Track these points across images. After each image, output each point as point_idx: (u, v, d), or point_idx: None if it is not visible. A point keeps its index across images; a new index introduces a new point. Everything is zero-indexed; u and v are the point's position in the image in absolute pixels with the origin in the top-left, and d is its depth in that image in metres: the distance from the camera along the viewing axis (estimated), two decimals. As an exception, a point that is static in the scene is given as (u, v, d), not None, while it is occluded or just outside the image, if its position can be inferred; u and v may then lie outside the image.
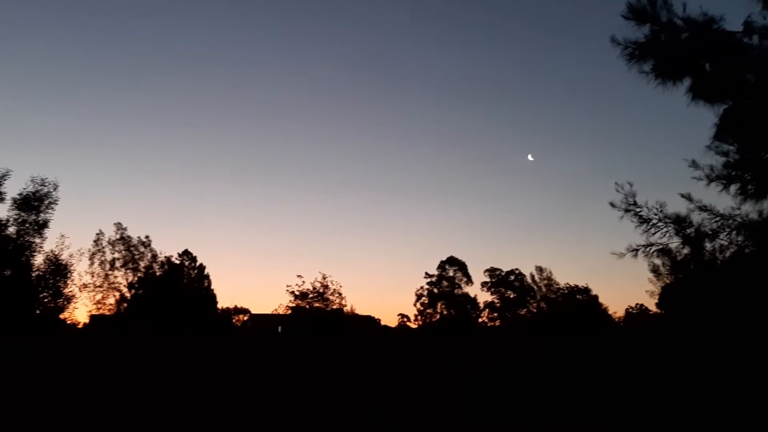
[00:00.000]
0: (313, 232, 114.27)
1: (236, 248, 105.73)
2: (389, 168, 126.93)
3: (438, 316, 68.98)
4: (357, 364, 28.94)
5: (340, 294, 56.35)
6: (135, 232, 54.31)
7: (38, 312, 35.21)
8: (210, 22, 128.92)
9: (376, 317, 69.19)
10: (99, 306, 50.39)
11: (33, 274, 33.71)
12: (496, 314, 74.37)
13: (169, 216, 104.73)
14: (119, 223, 53.07)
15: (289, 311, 56.86)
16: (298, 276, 57.79)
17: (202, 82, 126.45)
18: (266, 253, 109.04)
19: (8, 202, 33.58)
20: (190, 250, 59.33)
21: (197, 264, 58.39)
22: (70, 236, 37.49)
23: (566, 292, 75.68)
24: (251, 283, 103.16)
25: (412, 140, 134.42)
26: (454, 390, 16.61)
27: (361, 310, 63.81)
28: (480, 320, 73.50)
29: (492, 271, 74.50)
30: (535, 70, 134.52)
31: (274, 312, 58.56)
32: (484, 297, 73.64)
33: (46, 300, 33.97)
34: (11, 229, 33.42)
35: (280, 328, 57.51)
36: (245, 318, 70.89)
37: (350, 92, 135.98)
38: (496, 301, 74.32)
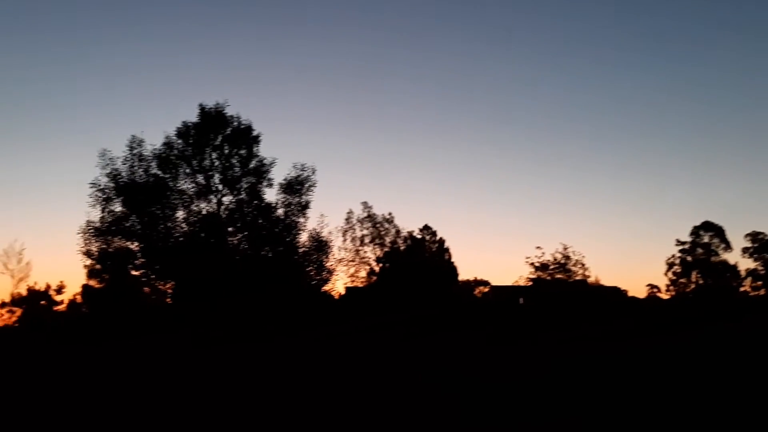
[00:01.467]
0: (554, 201, 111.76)
1: (475, 220, 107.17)
2: (632, 133, 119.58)
3: (693, 286, 63.56)
4: (600, 336, 27.77)
5: (582, 265, 54.54)
6: (380, 210, 57.51)
7: (304, 284, 38.79)
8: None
9: (623, 288, 65.69)
10: (353, 279, 54.59)
11: (299, 251, 37.22)
12: (760, 283, 66.58)
13: (409, 192, 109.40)
14: (365, 202, 56.68)
15: (530, 283, 56.33)
16: (538, 248, 56.75)
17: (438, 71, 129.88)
18: (505, 225, 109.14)
19: (276, 187, 37.51)
20: (429, 224, 61.25)
21: (437, 238, 60.09)
22: (328, 215, 40.96)
23: None
24: (491, 254, 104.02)
25: (657, 102, 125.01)
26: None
27: (607, 281, 61.06)
28: (741, 289, 66.38)
29: (754, 236, 66.62)
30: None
31: (515, 284, 58.41)
32: (745, 264, 66.26)
33: (312, 273, 37.33)
34: (280, 211, 37.29)
35: (521, 300, 57.26)
36: (486, 290, 71.70)
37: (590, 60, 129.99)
38: (760, 268, 66.48)
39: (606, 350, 22.29)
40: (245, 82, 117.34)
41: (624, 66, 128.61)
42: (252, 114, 52.25)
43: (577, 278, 54.26)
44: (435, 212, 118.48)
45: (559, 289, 51.65)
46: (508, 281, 60.13)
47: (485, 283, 71.97)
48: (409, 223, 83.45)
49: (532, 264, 54.66)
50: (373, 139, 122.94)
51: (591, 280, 54.82)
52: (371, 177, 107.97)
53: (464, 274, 73.40)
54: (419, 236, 60.71)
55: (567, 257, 53.39)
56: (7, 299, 46.48)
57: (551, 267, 54.20)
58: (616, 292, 57.74)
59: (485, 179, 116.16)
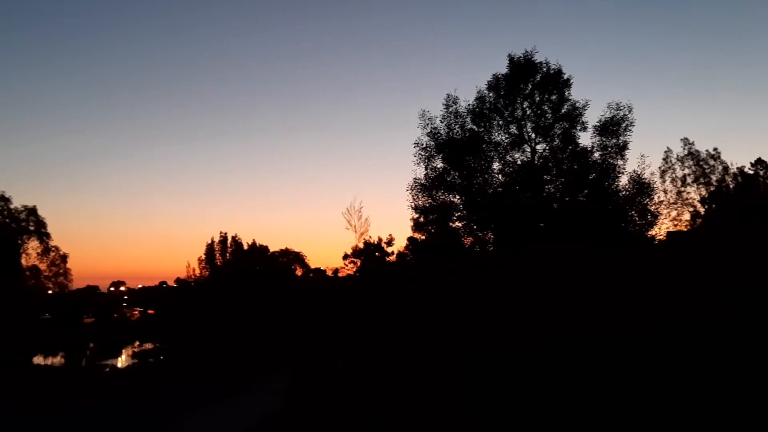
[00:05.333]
0: None
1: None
2: None
3: None
4: None
5: None
6: (703, 146, 52.38)
7: (625, 229, 37.07)
8: None
9: None
10: (675, 222, 50.81)
11: (620, 195, 35.68)
12: None
13: (737, 123, 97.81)
14: (686, 139, 52.24)
15: None
16: None
17: None
18: None
19: (590, 130, 36.37)
20: (763, 158, 54.12)
21: (775, 172, 52.94)
22: (649, 155, 38.12)
23: None
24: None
25: None
26: None
27: None
28: None
29: None
30: None
31: None
32: None
33: (635, 218, 35.60)
34: (596, 155, 36.11)
35: None
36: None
37: None
38: None
39: None
40: (552, 24, 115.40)
41: None
42: (561, 56, 51.21)
43: None
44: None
45: None
46: None
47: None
48: (739, 158, 74.63)
49: None
50: (691, 69, 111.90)
51: None
52: (691, 110, 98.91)
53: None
54: (751, 172, 54.17)
55: None
56: (349, 252, 53.17)
57: None
58: None
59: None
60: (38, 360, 61.42)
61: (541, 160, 36.66)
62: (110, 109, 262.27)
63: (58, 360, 63.34)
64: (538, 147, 36.81)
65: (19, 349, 60.06)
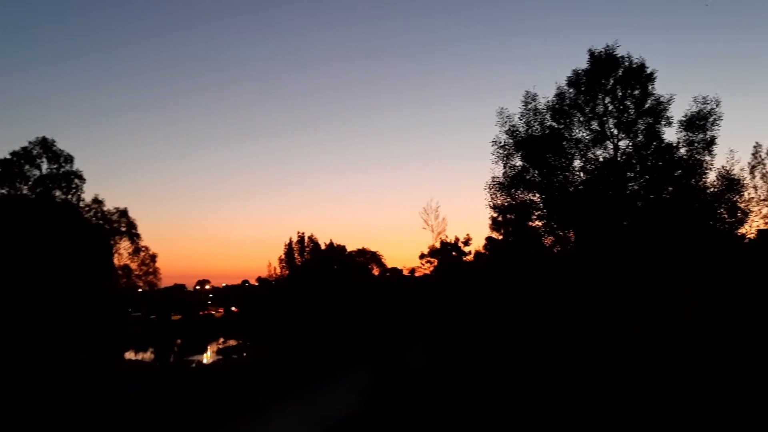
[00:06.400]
0: None
1: None
2: None
3: None
4: None
5: None
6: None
7: (713, 228, 35.68)
8: None
9: None
10: (766, 220, 48.39)
11: (707, 191, 34.41)
12: None
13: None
14: (778, 132, 49.73)
15: None
16: None
17: None
18: None
19: (675, 126, 35.23)
20: None
21: None
22: (738, 150, 36.41)
23: None
24: None
25: None
26: None
27: None
28: None
29: None
30: None
31: None
32: None
33: (724, 216, 34.26)
34: (681, 151, 34.99)
35: None
36: None
37: None
38: None
39: None
40: (634, 17, 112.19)
41: None
42: (644, 50, 49.83)
43: None
44: None
45: None
46: None
47: None
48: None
49: None
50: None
51: None
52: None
53: None
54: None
55: None
56: (426, 252, 53.50)
57: None
58: None
59: None
60: (129, 355, 64.54)
61: (624, 157, 35.77)
62: (195, 111, 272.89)
63: (147, 355, 66.38)
64: (620, 143, 35.96)
65: (112, 345, 63.36)
